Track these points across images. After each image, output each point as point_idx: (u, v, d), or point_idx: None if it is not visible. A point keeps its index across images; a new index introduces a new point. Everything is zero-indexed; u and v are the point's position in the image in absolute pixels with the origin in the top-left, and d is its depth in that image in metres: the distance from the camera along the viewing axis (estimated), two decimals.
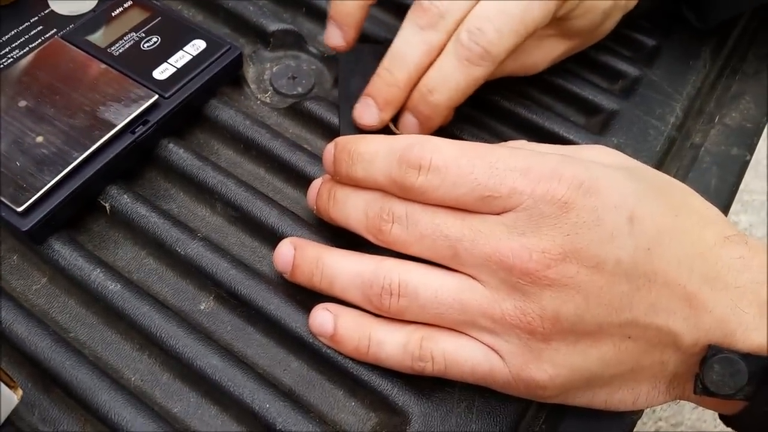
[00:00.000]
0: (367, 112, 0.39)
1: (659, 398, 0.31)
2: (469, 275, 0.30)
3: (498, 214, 0.29)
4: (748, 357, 0.28)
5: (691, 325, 0.29)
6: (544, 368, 0.29)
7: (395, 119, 0.41)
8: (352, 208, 0.33)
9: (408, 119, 0.40)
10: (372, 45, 0.47)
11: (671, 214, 0.30)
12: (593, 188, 0.28)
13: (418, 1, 0.38)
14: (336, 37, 0.41)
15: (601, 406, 0.31)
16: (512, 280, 0.28)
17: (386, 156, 0.31)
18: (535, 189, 0.29)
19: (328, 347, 0.33)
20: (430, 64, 0.38)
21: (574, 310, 0.28)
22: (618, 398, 0.31)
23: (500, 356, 0.30)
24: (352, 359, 0.33)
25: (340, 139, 0.34)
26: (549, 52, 0.44)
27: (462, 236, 0.30)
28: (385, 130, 0.41)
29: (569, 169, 0.29)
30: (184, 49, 0.41)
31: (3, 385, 0.29)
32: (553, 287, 0.28)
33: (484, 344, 0.30)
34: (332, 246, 0.35)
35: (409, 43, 0.38)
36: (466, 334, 0.31)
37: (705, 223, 0.31)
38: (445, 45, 0.37)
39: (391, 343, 0.31)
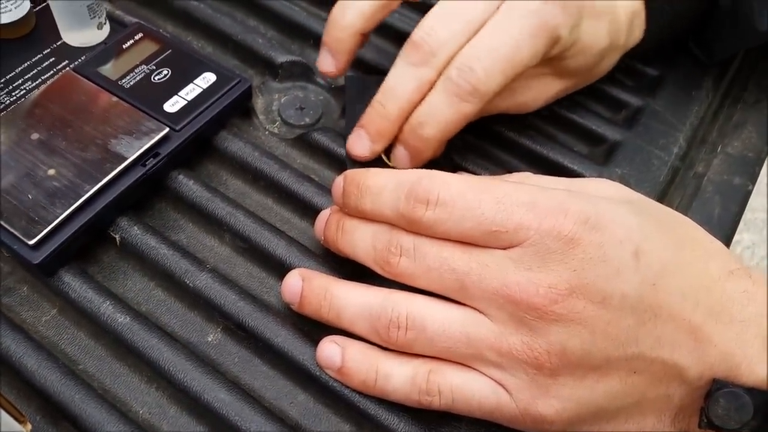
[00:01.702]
0: (359, 143, 0.41)
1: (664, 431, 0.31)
2: (476, 309, 0.30)
3: (505, 248, 0.30)
4: (753, 391, 0.28)
5: (696, 358, 0.29)
6: (552, 403, 0.29)
7: (388, 151, 0.41)
8: (360, 240, 0.34)
9: (399, 152, 0.41)
10: (377, 76, 0.47)
11: (676, 248, 0.30)
12: (599, 224, 0.29)
13: (411, 38, 0.38)
14: (328, 64, 0.42)
15: None
16: (519, 314, 0.29)
17: (394, 190, 0.32)
18: (541, 224, 0.29)
19: (336, 380, 0.34)
20: (422, 99, 0.39)
21: (581, 345, 0.28)
22: (624, 431, 0.31)
23: (507, 391, 0.30)
24: (359, 392, 0.33)
25: (349, 173, 0.34)
26: (543, 90, 0.44)
27: (469, 270, 0.30)
28: (378, 161, 0.42)
29: (575, 205, 0.29)
30: (194, 81, 0.42)
31: (12, 418, 0.29)
32: (560, 322, 0.28)
33: (492, 379, 0.30)
34: (340, 277, 0.35)
35: (400, 78, 0.39)
36: (474, 369, 0.31)
37: (709, 256, 0.31)
38: (435, 81, 0.38)
39: (398, 377, 0.32)
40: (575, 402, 0.29)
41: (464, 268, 0.30)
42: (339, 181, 0.35)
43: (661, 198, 0.45)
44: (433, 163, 0.42)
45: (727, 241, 0.44)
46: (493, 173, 0.44)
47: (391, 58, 0.49)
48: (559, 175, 0.44)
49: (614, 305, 0.28)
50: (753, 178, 0.47)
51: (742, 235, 1.50)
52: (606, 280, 0.28)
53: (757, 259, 1.53)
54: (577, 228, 0.29)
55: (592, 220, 0.29)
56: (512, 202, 0.30)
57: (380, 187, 0.32)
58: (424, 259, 0.31)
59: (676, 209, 0.44)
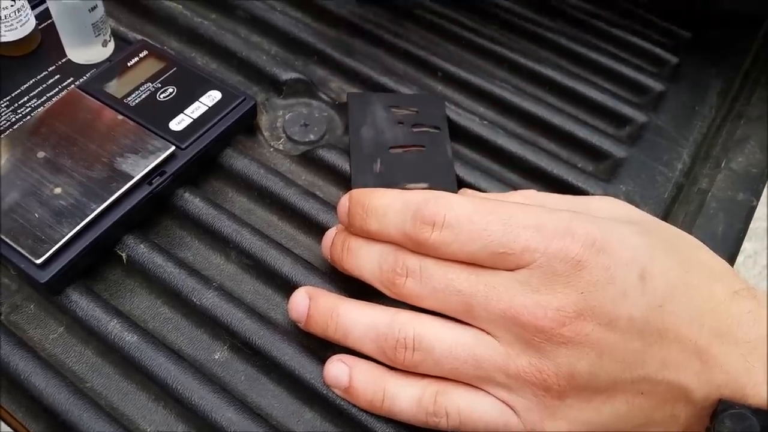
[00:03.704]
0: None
1: None
2: (483, 330, 0.31)
3: (511, 270, 0.30)
4: (759, 412, 0.28)
5: (702, 380, 0.29)
6: (560, 425, 0.29)
7: None
8: (365, 260, 0.34)
9: None
10: (380, 93, 0.48)
11: (682, 270, 0.30)
12: (605, 246, 0.29)
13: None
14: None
15: None
16: (527, 336, 0.29)
17: (400, 211, 0.32)
18: (548, 247, 0.29)
19: (342, 399, 0.34)
20: None
21: (589, 368, 0.28)
22: None
23: (515, 412, 0.30)
24: (366, 412, 0.33)
25: (354, 193, 0.34)
26: None
27: (476, 292, 0.30)
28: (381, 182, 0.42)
29: (581, 227, 0.30)
30: (200, 99, 0.42)
31: None
32: (568, 345, 0.28)
33: (499, 400, 0.30)
34: (346, 295, 0.35)
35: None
36: (482, 389, 0.31)
37: (715, 277, 0.31)
38: None
39: (405, 398, 0.32)
40: (582, 423, 0.29)
41: (470, 290, 0.30)
42: (344, 201, 0.35)
43: (666, 215, 0.45)
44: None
45: (732, 257, 0.44)
46: (497, 190, 0.44)
47: (396, 75, 0.49)
48: (563, 192, 0.45)
49: (621, 328, 0.28)
50: (757, 194, 0.47)
51: (744, 244, 1.49)
52: (613, 303, 0.28)
53: (759, 268, 1.53)
54: (584, 251, 0.29)
55: (599, 242, 0.29)
56: (519, 224, 0.30)
57: (386, 207, 0.32)
58: (430, 280, 0.31)
59: (680, 226, 0.44)
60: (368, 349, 0.33)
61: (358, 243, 0.34)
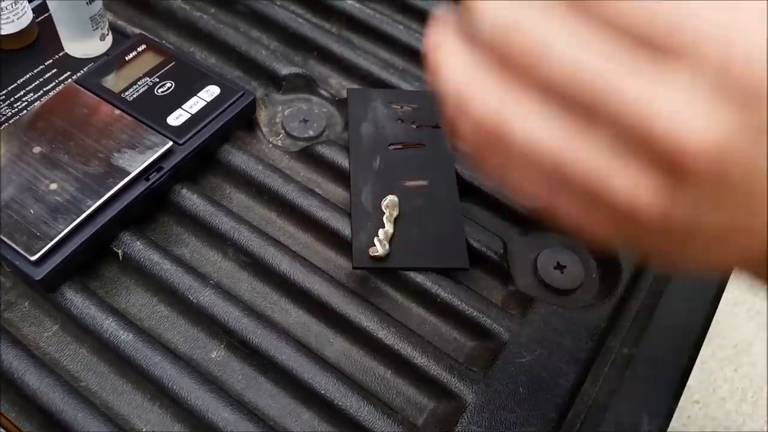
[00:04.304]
0: None
1: None
2: None
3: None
4: None
5: None
6: None
7: None
8: None
9: None
10: (380, 90, 0.47)
11: None
12: None
13: None
14: None
15: None
16: None
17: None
18: (725, 57, 0.19)
19: (339, 399, 0.33)
20: None
21: None
22: None
23: None
24: (364, 411, 0.33)
25: None
26: None
27: None
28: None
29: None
30: (198, 95, 0.41)
31: None
32: None
33: None
34: (345, 294, 0.35)
35: None
36: None
37: None
38: None
39: None
40: None
41: None
42: None
43: None
44: None
45: None
46: (498, 186, 0.43)
47: (396, 72, 0.49)
48: None
49: None
50: None
51: None
52: None
53: None
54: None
55: None
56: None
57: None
58: None
59: None
60: None
61: None
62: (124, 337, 0.34)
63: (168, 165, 0.38)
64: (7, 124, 0.40)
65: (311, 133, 0.46)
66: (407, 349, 0.35)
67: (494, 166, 0.22)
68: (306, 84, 0.48)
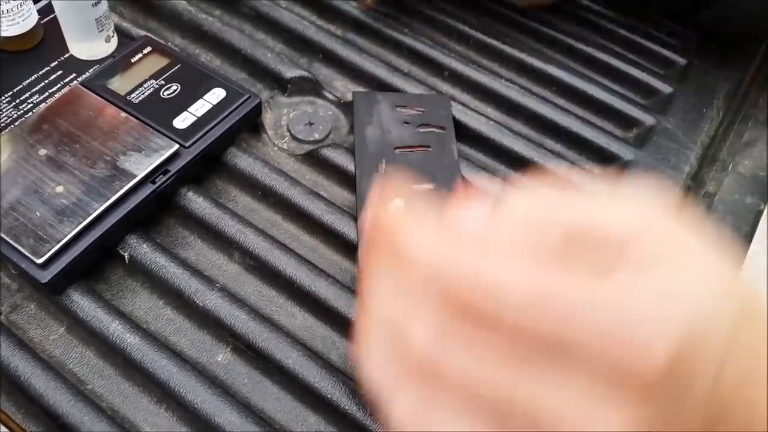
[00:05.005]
0: None
1: None
2: None
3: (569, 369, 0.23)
4: None
5: None
6: None
7: None
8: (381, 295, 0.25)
9: None
10: (386, 93, 0.47)
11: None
12: (691, 349, 0.22)
13: None
14: None
15: None
16: None
17: (426, 278, 0.24)
18: (620, 358, 0.22)
19: (345, 403, 0.33)
20: None
21: None
22: None
23: None
24: (370, 416, 0.33)
25: (378, 217, 0.26)
26: None
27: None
28: None
29: (665, 325, 0.22)
30: (204, 97, 0.41)
31: None
32: None
33: None
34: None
35: None
36: None
37: None
38: None
39: None
40: None
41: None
42: (366, 218, 0.26)
43: None
44: None
45: (739, 262, 0.43)
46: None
47: (401, 75, 0.49)
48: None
49: None
50: (764, 197, 0.47)
51: None
52: None
53: (757, 269, 1.52)
54: (670, 364, 0.21)
55: (684, 345, 0.22)
56: (583, 320, 0.22)
57: (411, 260, 0.24)
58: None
59: None
60: None
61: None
62: (130, 340, 0.34)
63: (174, 168, 0.38)
64: (12, 126, 0.40)
65: (317, 136, 0.46)
66: None
67: None
68: (311, 87, 0.48)
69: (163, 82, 0.42)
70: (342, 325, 0.37)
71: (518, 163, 0.46)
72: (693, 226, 0.25)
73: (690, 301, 0.22)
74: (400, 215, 0.25)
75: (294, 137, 0.45)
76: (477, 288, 0.22)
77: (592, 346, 0.21)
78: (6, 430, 0.33)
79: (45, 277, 0.34)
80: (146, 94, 0.41)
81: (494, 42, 0.53)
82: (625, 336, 0.21)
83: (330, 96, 0.48)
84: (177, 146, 0.39)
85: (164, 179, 0.38)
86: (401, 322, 0.24)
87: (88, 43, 0.44)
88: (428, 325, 0.23)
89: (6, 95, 0.42)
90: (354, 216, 0.40)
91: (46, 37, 0.45)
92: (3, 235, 0.34)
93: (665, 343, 0.21)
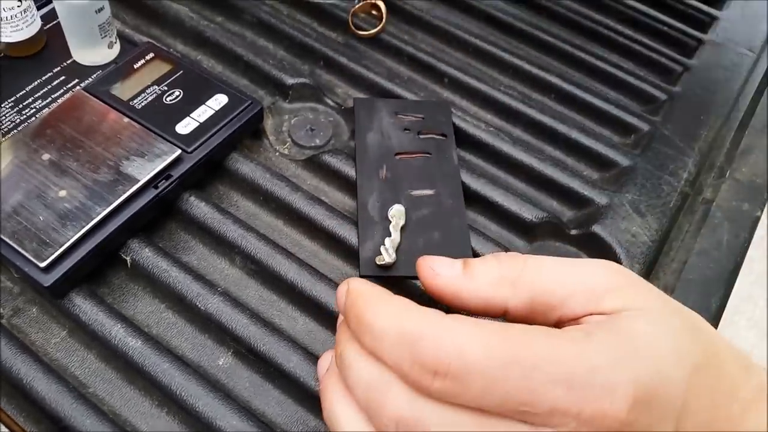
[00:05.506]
0: None
1: None
2: None
3: (536, 426, 0.24)
4: None
5: None
6: None
7: None
8: (352, 381, 0.27)
9: None
10: (386, 99, 0.48)
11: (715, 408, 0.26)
12: (650, 399, 0.24)
13: None
14: None
15: None
16: None
17: (396, 344, 0.25)
18: (582, 411, 0.23)
19: None
20: None
21: None
22: None
23: None
24: None
25: (353, 289, 0.28)
26: None
27: None
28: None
29: (622, 376, 0.24)
30: (206, 103, 0.42)
31: None
32: None
33: None
34: None
35: None
36: None
37: (743, 407, 0.26)
38: None
39: None
40: None
41: None
42: (341, 292, 0.29)
43: (671, 224, 0.45)
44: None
45: (736, 268, 0.44)
46: (502, 198, 0.43)
47: (402, 81, 0.49)
48: (568, 200, 0.45)
49: None
50: (762, 204, 0.47)
51: None
52: None
53: (755, 275, 1.53)
54: (628, 414, 0.23)
55: (642, 395, 0.23)
56: (546, 378, 0.24)
57: (380, 332, 0.26)
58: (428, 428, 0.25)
59: (685, 236, 0.44)
60: None
61: (352, 353, 0.27)
62: (132, 344, 0.34)
63: (176, 173, 0.39)
64: (15, 131, 0.40)
65: (318, 141, 0.46)
66: None
67: None
68: (312, 93, 0.48)
69: (165, 88, 0.42)
70: None
71: (518, 169, 0.46)
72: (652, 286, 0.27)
73: (646, 357, 0.25)
74: (371, 287, 0.28)
75: (295, 143, 0.46)
76: (442, 353, 0.24)
77: (556, 400, 0.23)
78: None
79: (48, 280, 0.34)
80: (149, 99, 0.42)
81: (494, 49, 0.54)
82: (584, 387, 0.23)
83: (331, 102, 0.48)
84: (179, 151, 0.39)
85: (167, 184, 0.38)
86: (375, 389, 0.26)
87: (91, 49, 0.44)
88: (402, 391, 0.25)
89: (9, 100, 0.42)
90: (355, 221, 0.40)
91: (49, 43, 0.46)
92: (6, 239, 0.34)
93: (624, 388, 0.23)
